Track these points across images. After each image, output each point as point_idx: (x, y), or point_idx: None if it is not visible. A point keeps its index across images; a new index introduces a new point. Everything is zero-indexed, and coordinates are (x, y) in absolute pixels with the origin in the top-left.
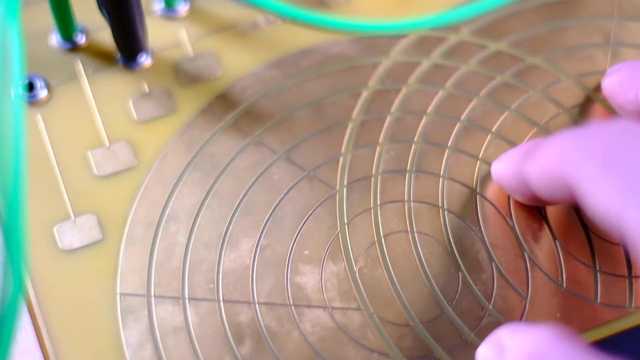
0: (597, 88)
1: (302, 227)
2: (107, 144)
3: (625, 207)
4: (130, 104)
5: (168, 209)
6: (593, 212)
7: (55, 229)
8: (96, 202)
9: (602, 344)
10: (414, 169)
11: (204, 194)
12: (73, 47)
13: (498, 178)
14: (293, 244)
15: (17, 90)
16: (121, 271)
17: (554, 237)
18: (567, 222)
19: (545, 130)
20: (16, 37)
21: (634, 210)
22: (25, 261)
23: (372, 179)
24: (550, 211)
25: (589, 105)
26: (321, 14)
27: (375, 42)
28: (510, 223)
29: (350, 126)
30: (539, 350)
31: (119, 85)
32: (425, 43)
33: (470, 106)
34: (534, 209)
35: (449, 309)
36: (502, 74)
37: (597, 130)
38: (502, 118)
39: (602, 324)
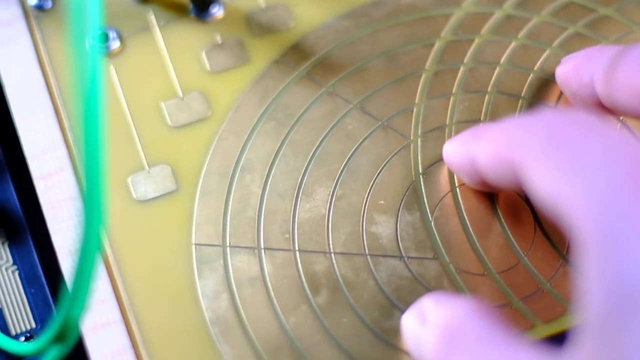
0: None
1: (376, 177)
2: (181, 94)
3: (562, 188)
4: (203, 54)
5: (242, 159)
6: (534, 194)
7: (129, 180)
8: (170, 152)
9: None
10: (488, 119)
11: (279, 144)
12: None
13: (448, 158)
14: (368, 194)
15: (92, 40)
16: (196, 221)
17: None
18: None
19: None
20: None
21: (570, 190)
22: (104, 212)
23: (447, 129)
24: None
25: None
26: None
27: None
28: None
29: (423, 76)
30: (455, 324)
31: (191, 37)
32: None
33: (543, 57)
34: None
35: (525, 258)
36: (575, 25)
37: (546, 116)
38: None
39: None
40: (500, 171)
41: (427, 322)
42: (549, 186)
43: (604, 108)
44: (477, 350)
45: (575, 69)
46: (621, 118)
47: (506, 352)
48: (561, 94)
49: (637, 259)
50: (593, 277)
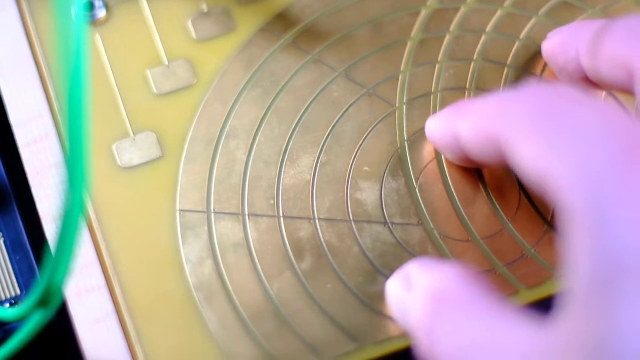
0: None
1: (361, 143)
2: (166, 62)
3: (550, 160)
4: (189, 23)
5: (227, 125)
6: (520, 169)
7: (114, 147)
8: (155, 119)
9: None
10: (473, 87)
11: (264, 111)
12: None
13: (431, 134)
14: (353, 160)
15: (77, 9)
16: (181, 187)
17: None
18: None
19: None
20: None
21: (558, 162)
22: (87, 178)
23: (432, 96)
24: None
25: None
26: None
27: None
28: None
29: (409, 44)
30: (442, 289)
31: (177, 5)
32: None
33: (529, 25)
34: None
35: (509, 224)
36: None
37: (532, 90)
38: None
39: None
40: (484, 147)
41: (412, 287)
42: (536, 160)
43: (590, 82)
44: (464, 315)
45: (562, 44)
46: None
47: (493, 318)
48: (546, 64)
49: (626, 235)
50: (581, 250)
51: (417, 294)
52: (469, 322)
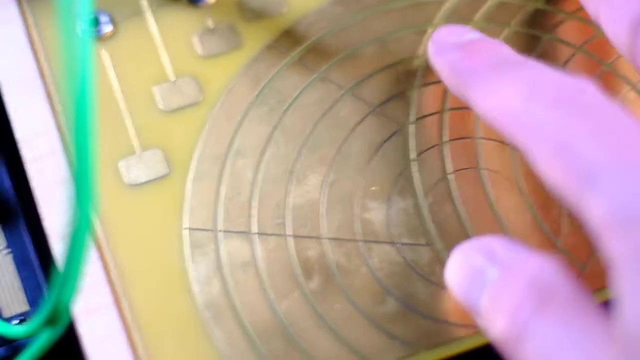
0: None
1: (369, 162)
2: (173, 78)
3: None
4: (196, 39)
5: (235, 143)
6: None
7: (120, 164)
8: (162, 136)
9: None
10: None
11: (271, 129)
12: None
13: None
14: (361, 180)
15: (84, 25)
16: (188, 206)
17: None
18: None
19: None
20: None
21: None
22: (94, 195)
23: (439, 115)
24: None
25: None
26: None
27: None
28: None
29: (416, 63)
30: (545, 279)
31: (183, 21)
32: None
33: (539, 45)
34: None
35: None
36: (569, 15)
37: None
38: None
39: None
40: None
41: (504, 268)
42: None
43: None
44: (565, 314)
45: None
46: None
47: (594, 322)
48: None
49: None
50: (627, 299)
51: (513, 278)
52: (567, 322)
